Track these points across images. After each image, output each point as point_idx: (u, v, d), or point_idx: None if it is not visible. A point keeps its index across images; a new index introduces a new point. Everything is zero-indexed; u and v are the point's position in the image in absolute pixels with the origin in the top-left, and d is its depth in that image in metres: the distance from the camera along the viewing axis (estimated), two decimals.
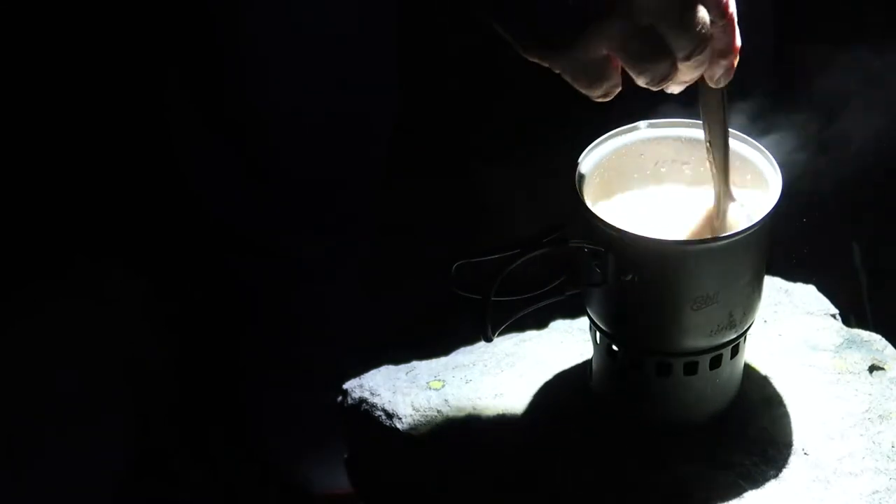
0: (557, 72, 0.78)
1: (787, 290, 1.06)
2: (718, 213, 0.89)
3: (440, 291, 0.88)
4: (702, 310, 0.84)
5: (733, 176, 0.91)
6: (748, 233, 0.83)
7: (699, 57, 0.78)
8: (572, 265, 0.87)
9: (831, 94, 1.01)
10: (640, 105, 0.89)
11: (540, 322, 1.03)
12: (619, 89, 0.79)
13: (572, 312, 1.03)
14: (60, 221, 1.65)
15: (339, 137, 1.30)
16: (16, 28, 1.57)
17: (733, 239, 0.83)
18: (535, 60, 0.77)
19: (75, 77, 1.61)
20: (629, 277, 0.84)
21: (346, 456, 1.07)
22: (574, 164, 0.88)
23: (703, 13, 0.75)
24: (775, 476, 0.89)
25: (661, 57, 0.76)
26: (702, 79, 0.82)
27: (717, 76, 0.81)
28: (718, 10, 0.77)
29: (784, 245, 0.92)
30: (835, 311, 1.04)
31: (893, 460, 0.90)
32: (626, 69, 0.77)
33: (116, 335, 1.55)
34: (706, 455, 0.90)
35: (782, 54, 1.33)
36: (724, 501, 0.87)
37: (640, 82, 0.78)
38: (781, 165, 0.87)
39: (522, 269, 0.83)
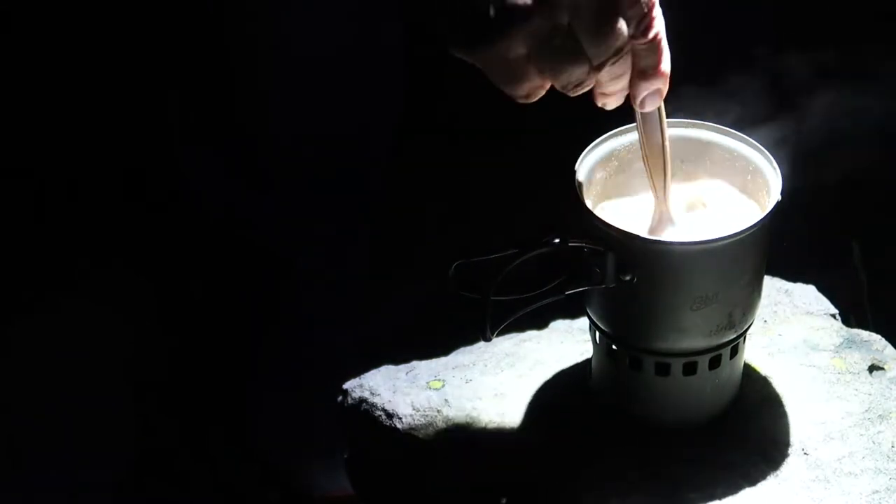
0: (479, 67, 0.77)
1: (787, 290, 1.06)
2: (650, 228, 0.89)
3: (440, 291, 0.88)
4: (701, 310, 0.84)
5: (733, 176, 0.91)
6: (748, 233, 0.83)
7: (613, 69, 0.78)
8: (572, 265, 0.87)
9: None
10: None
11: (540, 322, 1.03)
12: (544, 91, 0.79)
13: (572, 312, 1.03)
14: (61, 221, 1.65)
15: (339, 138, 1.30)
16: (20, 30, 1.57)
17: (733, 239, 0.83)
18: (461, 57, 0.77)
19: (79, 79, 1.61)
20: (628, 277, 0.84)
21: (346, 456, 1.07)
22: (574, 163, 0.88)
23: (621, 24, 0.75)
24: (775, 476, 0.89)
25: (575, 60, 0.76)
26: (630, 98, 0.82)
27: (640, 97, 0.81)
28: (640, 28, 0.76)
29: (784, 245, 0.92)
30: (835, 311, 1.04)
31: (893, 460, 0.90)
32: (539, 71, 0.77)
33: (117, 335, 1.55)
34: (706, 455, 0.90)
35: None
36: (723, 501, 0.87)
37: (557, 85, 0.78)
38: (781, 165, 0.88)
39: (522, 268, 0.83)
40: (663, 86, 0.81)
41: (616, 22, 0.75)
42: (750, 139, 0.90)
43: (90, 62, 1.60)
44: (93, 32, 1.57)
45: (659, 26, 0.78)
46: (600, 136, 0.90)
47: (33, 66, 1.60)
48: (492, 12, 0.74)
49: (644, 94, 0.81)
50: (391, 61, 1.31)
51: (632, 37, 0.76)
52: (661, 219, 0.89)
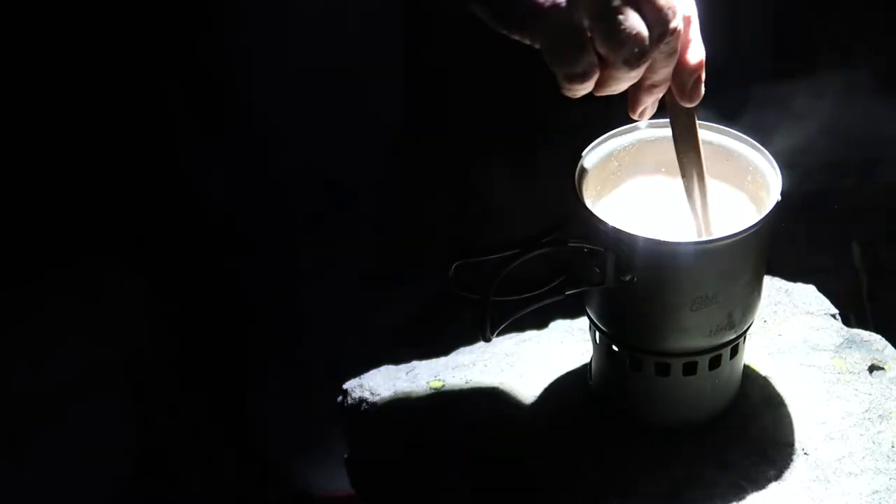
0: (537, 46, 0.77)
1: (787, 290, 1.06)
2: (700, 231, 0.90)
3: (440, 291, 0.88)
4: (701, 310, 0.84)
5: (733, 177, 0.91)
6: (748, 233, 0.83)
7: (669, 45, 0.78)
8: (572, 265, 0.87)
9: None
10: None
11: (540, 322, 1.03)
12: (598, 74, 0.78)
13: (572, 312, 1.03)
14: (61, 221, 1.65)
15: (339, 138, 1.30)
16: (17, 29, 1.57)
17: (733, 239, 0.83)
18: (515, 35, 0.77)
19: (76, 77, 1.61)
20: (628, 278, 0.84)
21: (346, 456, 1.07)
22: (574, 164, 0.88)
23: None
24: (775, 476, 0.89)
25: (638, 31, 0.76)
26: (674, 99, 0.83)
27: (688, 86, 0.82)
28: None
29: (784, 245, 0.92)
30: (835, 311, 1.04)
31: (893, 460, 0.90)
32: (602, 44, 0.77)
33: (117, 335, 1.55)
34: (706, 455, 0.90)
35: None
36: (724, 501, 0.87)
37: (618, 59, 0.77)
38: (781, 165, 0.88)
39: (522, 269, 0.83)
40: (703, 72, 0.82)
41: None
42: (750, 139, 0.90)
43: (89, 60, 1.60)
44: (92, 32, 1.57)
45: (692, 9, 0.79)
46: (600, 136, 0.91)
47: (33, 67, 1.60)
48: None
49: (691, 80, 0.81)
50: (392, 61, 1.31)
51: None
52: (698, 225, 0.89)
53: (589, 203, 0.86)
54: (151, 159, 1.54)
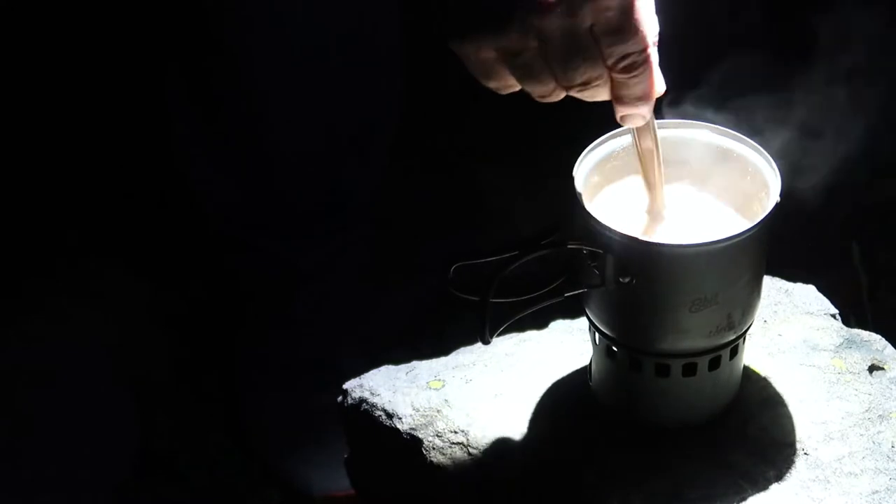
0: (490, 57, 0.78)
1: (787, 290, 1.06)
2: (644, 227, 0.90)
3: (440, 292, 0.88)
4: (700, 311, 0.84)
5: (731, 177, 0.91)
6: (747, 234, 0.83)
7: (584, 93, 0.78)
8: (571, 267, 0.87)
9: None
10: None
11: (540, 322, 1.03)
12: (516, 88, 0.79)
13: (572, 312, 1.03)
14: (62, 221, 1.65)
15: (339, 139, 1.30)
16: (18, 30, 1.57)
17: (732, 240, 0.82)
18: (459, 50, 0.78)
19: (77, 78, 1.61)
20: (628, 279, 0.84)
21: (346, 456, 1.07)
22: (573, 164, 0.88)
23: (593, 62, 0.76)
24: (775, 476, 0.89)
25: (540, 77, 0.77)
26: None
27: (619, 116, 0.82)
28: (625, 63, 0.77)
29: (784, 245, 0.92)
30: (835, 311, 1.04)
31: (893, 460, 0.90)
32: (551, 66, 0.77)
33: (117, 335, 1.55)
34: (706, 455, 0.90)
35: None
36: (724, 501, 0.87)
37: (526, 90, 0.78)
38: (780, 165, 0.88)
39: (521, 270, 0.83)
40: (646, 111, 0.82)
41: (588, 58, 0.76)
42: (749, 140, 0.90)
43: (89, 61, 1.60)
44: (92, 32, 1.57)
45: (652, 63, 0.78)
46: (599, 137, 0.90)
47: (32, 67, 1.60)
48: (500, 8, 0.74)
49: (622, 114, 0.81)
50: (391, 61, 1.31)
51: (611, 68, 0.77)
52: (653, 218, 0.89)
53: (588, 204, 0.86)
54: (151, 160, 1.54)
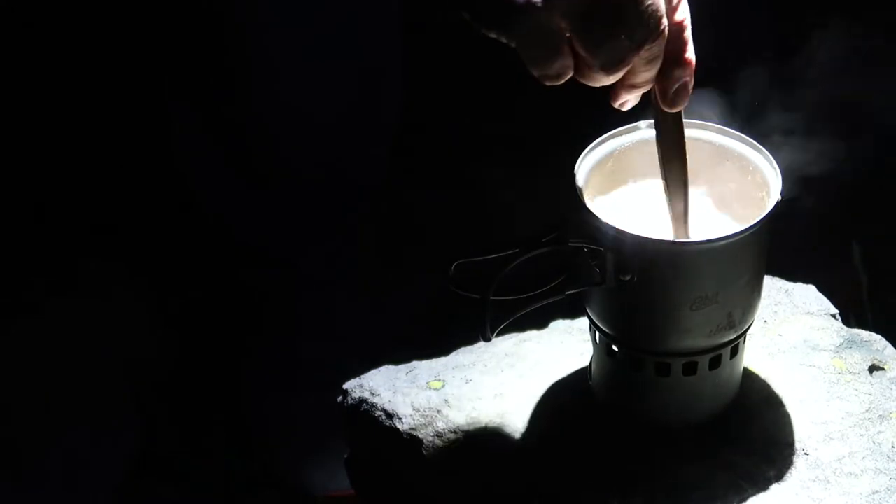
0: (513, 45, 0.76)
1: (787, 290, 1.06)
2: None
3: (440, 291, 0.88)
4: (701, 310, 0.84)
5: (732, 176, 0.91)
6: (747, 233, 0.83)
7: (651, 50, 0.76)
8: (572, 265, 0.87)
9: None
10: (639, 105, 0.88)
11: (540, 322, 1.03)
12: (572, 72, 0.77)
13: (572, 312, 1.03)
14: (62, 222, 1.65)
15: (339, 139, 1.30)
16: (20, 31, 1.57)
17: (733, 239, 0.83)
18: (495, 36, 0.76)
19: (78, 78, 1.61)
20: (628, 277, 0.84)
21: (346, 456, 1.07)
22: (574, 163, 0.88)
23: (658, 2, 0.74)
24: (775, 476, 0.89)
25: (617, 36, 0.74)
26: (657, 102, 0.81)
27: (672, 90, 0.80)
28: (670, 5, 0.76)
29: (784, 245, 0.92)
30: (835, 311, 1.04)
31: (893, 460, 0.90)
32: (581, 46, 0.75)
33: (117, 335, 1.55)
34: (706, 455, 0.90)
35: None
36: (724, 501, 0.87)
37: (596, 63, 0.76)
38: (781, 165, 0.88)
39: (522, 268, 0.83)
40: (690, 79, 0.80)
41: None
42: (750, 139, 0.90)
43: (90, 63, 1.60)
44: (92, 33, 1.57)
45: (686, 11, 0.77)
46: (600, 136, 0.91)
47: (32, 67, 1.60)
48: None
49: (675, 86, 0.80)
50: (391, 61, 1.31)
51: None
52: (654, 216, 0.89)
53: (589, 202, 0.86)
54: (152, 161, 1.54)
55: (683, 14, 0.78)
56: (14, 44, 1.56)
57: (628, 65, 0.77)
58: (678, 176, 0.86)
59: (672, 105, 0.81)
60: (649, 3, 0.74)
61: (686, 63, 0.79)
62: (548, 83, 0.78)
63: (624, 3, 0.74)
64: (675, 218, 0.88)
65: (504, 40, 0.76)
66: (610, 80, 0.78)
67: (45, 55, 1.58)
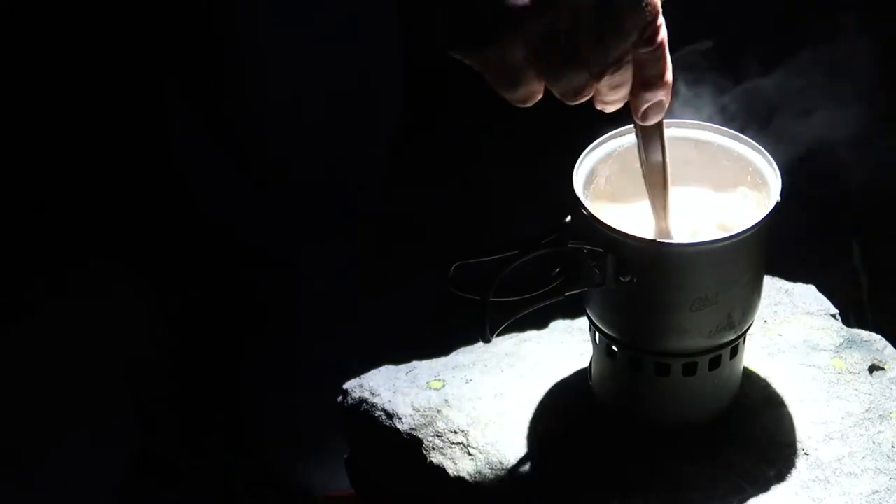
0: (477, 70, 0.76)
1: (787, 290, 1.06)
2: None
3: (440, 292, 0.88)
4: (701, 311, 0.84)
5: (731, 176, 0.91)
6: (747, 234, 0.83)
7: (614, 78, 0.76)
8: (572, 266, 0.87)
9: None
10: None
11: (540, 322, 1.03)
12: (540, 97, 0.77)
13: (572, 312, 1.03)
14: (63, 222, 1.65)
15: (339, 140, 1.30)
16: (20, 31, 1.57)
17: (732, 240, 0.83)
18: (458, 58, 0.76)
19: (78, 79, 1.61)
20: (628, 279, 0.84)
21: (346, 456, 1.07)
22: (574, 164, 0.88)
23: (623, 31, 0.73)
24: (775, 476, 0.89)
25: (575, 67, 0.74)
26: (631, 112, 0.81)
27: (642, 108, 0.79)
28: (644, 35, 0.74)
29: (784, 245, 0.92)
30: (835, 311, 1.04)
31: (893, 460, 0.90)
32: (541, 75, 0.75)
33: (117, 335, 1.55)
34: (706, 455, 0.90)
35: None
36: (723, 501, 0.87)
37: (556, 92, 0.76)
38: (780, 165, 0.88)
39: (522, 269, 0.83)
40: (666, 97, 0.79)
41: (618, 29, 0.73)
42: (749, 139, 0.90)
43: (90, 63, 1.60)
44: (92, 33, 1.57)
45: (663, 34, 0.76)
46: (601, 136, 0.90)
47: (32, 67, 1.60)
48: (491, 14, 0.72)
49: (646, 105, 0.79)
50: (390, 61, 1.31)
51: (634, 45, 0.74)
52: (660, 235, 0.88)
53: (589, 203, 0.86)
54: (153, 161, 1.54)
55: (661, 37, 0.76)
56: (14, 44, 1.56)
57: (589, 94, 0.76)
58: (658, 177, 0.86)
59: (645, 120, 0.81)
60: (610, 35, 0.73)
61: (661, 85, 0.78)
62: (518, 105, 0.78)
63: (583, 36, 0.73)
64: (655, 213, 0.88)
65: (468, 63, 0.76)
66: (576, 102, 0.77)
67: (45, 55, 1.58)
